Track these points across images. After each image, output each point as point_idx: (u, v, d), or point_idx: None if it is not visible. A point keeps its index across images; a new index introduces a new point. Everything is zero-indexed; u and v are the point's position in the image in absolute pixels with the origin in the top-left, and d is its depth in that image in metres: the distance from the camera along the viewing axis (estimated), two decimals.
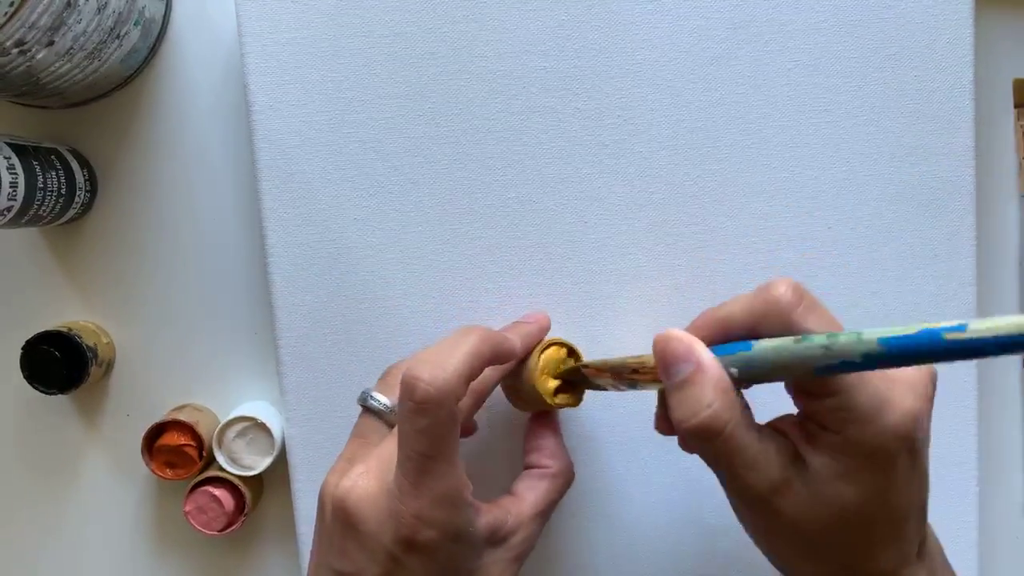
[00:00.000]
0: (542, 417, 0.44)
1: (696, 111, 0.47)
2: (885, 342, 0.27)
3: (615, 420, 0.48)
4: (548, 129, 0.47)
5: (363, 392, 0.41)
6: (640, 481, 0.48)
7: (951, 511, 0.39)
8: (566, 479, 0.43)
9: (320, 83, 0.47)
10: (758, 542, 0.37)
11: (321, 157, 0.47)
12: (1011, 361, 0.52)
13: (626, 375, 0.38)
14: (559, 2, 0.46)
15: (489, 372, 0.41)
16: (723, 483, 0.36)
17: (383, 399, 0.40)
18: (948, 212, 0.47)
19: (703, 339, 0.35)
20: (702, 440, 0.33)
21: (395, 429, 0.37)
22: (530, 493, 0.41)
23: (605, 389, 0.41)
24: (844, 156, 0.47)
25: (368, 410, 0.40)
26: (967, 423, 0.48)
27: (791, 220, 0.48)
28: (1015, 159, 0.52)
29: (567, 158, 0.47)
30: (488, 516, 0.38)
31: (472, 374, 0.36)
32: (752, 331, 0.34)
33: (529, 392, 0.42)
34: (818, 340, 0.30)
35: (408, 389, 0.35)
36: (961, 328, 0.26)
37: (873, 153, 0.47)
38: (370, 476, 0.36)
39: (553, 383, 0.42)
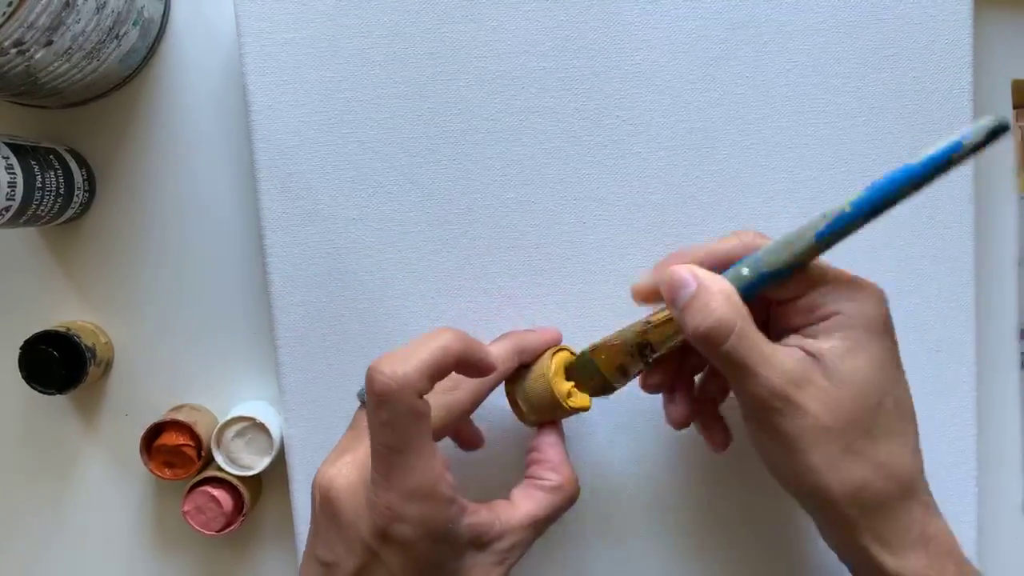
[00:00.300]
0: (547, 430, 0.43)
1: (695, 111, 0.47)
2: (862, 195, 0.35)
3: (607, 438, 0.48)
4: (547, 129, 0.47)
5: (362, 388, 0.40)
6: (637, 495, 0.49)
7: (950, 511, 0.39)
8: (566, 495, 0.41)
9: (319, 83, 0.47)
10: (781, 464, 0.37)
11: (320, 157, 0.47)
12: (1010, 362, 0.52)
13: (637, 338, 0.39)
14: (558, 2, 0.46)
15: (470, 385, 0.41)
16: (742, 395, 0.37)
17: None
18: (948, 212, 0.47)
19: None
20: (715, 343, 0.36)
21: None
22: (525, 502, 0.40)
23: (611, 384, 0.41)
24: (843, 157, 0.47)
25: (362, 404, 0.41)
26: (966, 423, 0.48)
27: (790, 220, 0.47)
28: (1015, 159, 0.52)
29: (566, 158, 0.47)
30: (474, 517, 0.37)
31: (437, 370, 0.36)
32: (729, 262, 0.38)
33: (538, 398, 0.42)
34: (813, 219, 0.36)
35: (368, 381, 0.35)
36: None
37: (872, 154, 0.47)
38: (354, 466, 0.37)
39: (567, 385, 0.42)
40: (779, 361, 0.36)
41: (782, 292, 0.38)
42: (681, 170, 0.47)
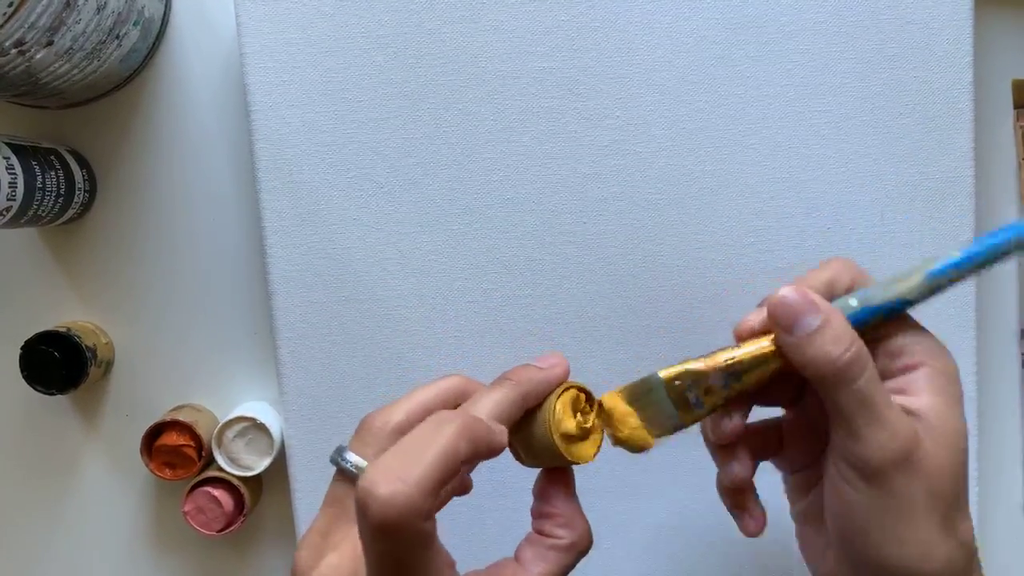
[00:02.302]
0: (554, 476, 0.37)
1: (695, 112, 0.47)
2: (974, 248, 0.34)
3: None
4: (547, 129, 0.47)
5: (337, 448, 0.35)
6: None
7: None
8: (581, 550, 0.36)
9: (320, 83, 0.47)
10: (876, 531, 0.33)
11: (321, 157, 0.47)
12: (1010, 362, 0.52)
13: (724, 365, 0.34)
14: (559, 3, 0.46)
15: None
16: (859, 444, 0.32)
17: (355, 459, 0.34)
18: (948, 212, 0.47)
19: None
20: (850, 379, 0.32)
21: None
22: (538, 565, 0.35)
23: (679, 420, 0.35)
24: (844, 156, 0.47)
25: (339, 471, 0.35)
26: (967, 423, 0.48)
27: (791, 220, 0.48)
28: (1015, 159, 0.52)
29: (566, 158, 0.47)
30: None
31: (445, 480, 0.30)
32: (827, 295, 0.35)
33: (540, 447, 0.36)
34: (923, 260, 0.34)
35: (362, 507, 0.29)
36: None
37: (873, 153, 0.47)
38: (341, 571, 0.32)
39: (570, 430, 0.36)
40: (900, 413, 0.32)
41: (872, 331, 0.34)
42: (681, 170, 0.47)
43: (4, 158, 0.43)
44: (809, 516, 0.38)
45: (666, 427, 0.36)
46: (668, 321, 0.48)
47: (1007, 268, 0.52)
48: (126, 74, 0.50)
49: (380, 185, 0.47)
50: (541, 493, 0.37)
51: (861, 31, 0.47)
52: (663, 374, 0.35)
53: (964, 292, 0.48)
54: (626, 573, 0.49)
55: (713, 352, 0.35)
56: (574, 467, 0.37)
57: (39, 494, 0.53)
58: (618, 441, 0.36)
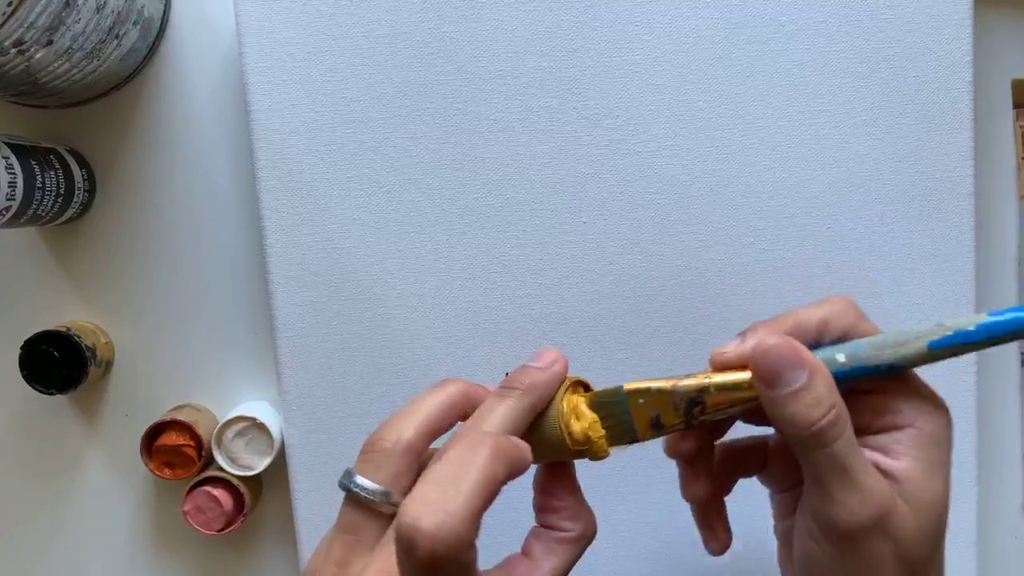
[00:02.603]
0: (556, 469, 0.37)
1: (695, 111, 0.47)
2: (989, 319, 0.32)
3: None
4: (547, 129, 0.47)
5: (345, 472, 0.34)
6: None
7: (950, 511, 0.39)
8: (589, 540, 0.36)
9: (319, 83, 0.47)
10: None
11: (320, 157, 0.47)
12: (1011, 361, 0.52)
13: (691, 392, 0.34)
14: (559, 2, 0.46)
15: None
16: (831, 507, 0.31)
17: (369, 484, 0.33)
18: (948, 212, 0.47)
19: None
20: (825, 443, 0.31)
21: (392, 539, 0.31)
22: (548, 560, 0.34)
23: (636, 435, 0.35)
24: (844, 156, 0.47)
25: (351, 497, 0.33)
26: (967, 423, 0.48)
27: (791, 220, 0.48)
28: (1015, 159, 0.52)
29: (566, 158, 0.47)
30: None
31: (486, 506, 0.29)
32: (818, 338, 0.33)
33: (555, 445, 0.36)
34: (925, 325, 0.32)
35: (407, 545, 0.28)
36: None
37: (873, 153, 0.47)
38: None
39: (582, 428, 0.36)
40: (876, 476, 0.31)
41: (860, 383, 0.33)
42: (681, 170, 0.47)
43: (4, 158, 0.43)
44: (788, 538, 0.37)
45: (622, 439, 0.35)
46: (668, 321, 0.48)
47: (1007, 268, 0.52)
48: (126, 74, 0.50)
49: (380, 185, 0.47)
50: (544, 488, 0.36)
51: (861, 31, 0.47)
52: (628, 387, 0.35)
53: (964, 293, 0.48)
54: (628, 573, 0.49)
55: (685, 375, 0.34)
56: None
57: (39, 494, 0.53)
58: (576, 444, 0.35)
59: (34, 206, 0.46)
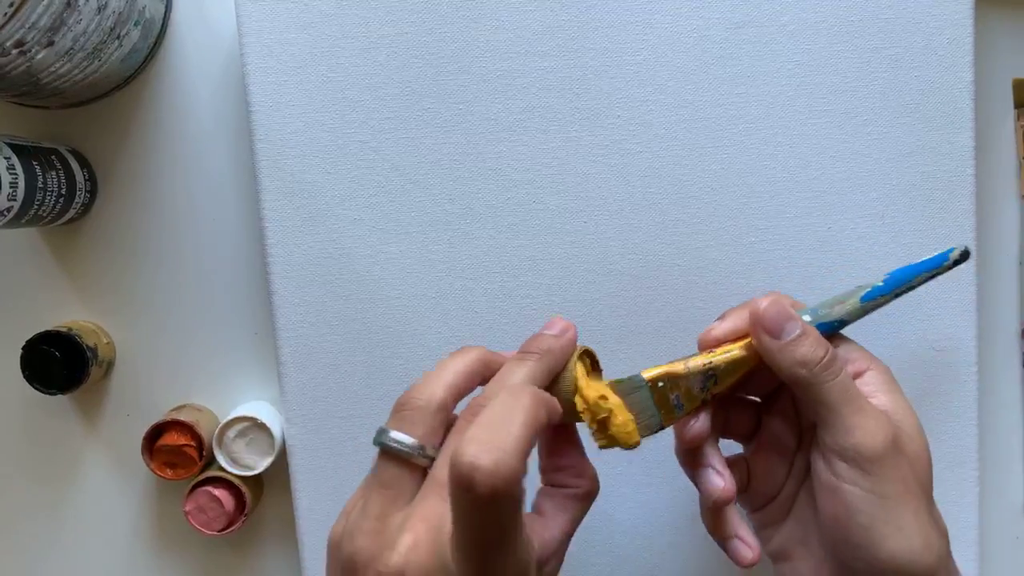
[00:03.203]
0: (562, 432, 0.39)
1: (696, 111, 0.47)
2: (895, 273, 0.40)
3: None
4: (548, 129, 0.47)
5: (379, 431, 0.35)
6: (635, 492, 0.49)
7: (951, 511, 0.39)
8: (594, 495, 0.38)
9: (320, 83, 0.47)
10: (867, 526, 0.35)
11: (321, 157, 0.47)
12: (1011, 361, 0.52)
13: (702, 368, 0.38)
14: (559, 2, 0.46)
15: None
16: (845, 437, 0.35)
17: (405, 438, 0.34)
18: (949, 212, 0.47)
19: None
20: (830, 376, 0.36)
21: (432, 483, 0.33)
22: (559, 516, 0.37)
23: (660, 421, 0.38)
24: (844, 156, 0.47)
25: (387, 453, 0.34)
26: (967, 423, 0.48)
27: (791, 220, 0.48)
28: (1015, 159, 0.52)
29: (567, 158, 0.47)
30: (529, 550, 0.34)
31: (532, 446, 0.31)
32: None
33: (565, 407, 0.37)
34: (857, 287, 0.39)
35: (466, 480, 0.29)
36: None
37: (873, 153, 0.47)
38: (422, 550, 0.32)
39: (597, 392, 0.38)
40: (875, 405, 0.37)
41: None
42: (682, 170, 0.47)
43: (5, 158, 0.43)
44: (785, 550, 0.40)
45: (649, 427, 0.38)
46: (669, 321, 0.48)
47: (1007, 268, 0.52)
48: (127, 74, 0.50)
49: (381, 185, 0.47)
50: (551, 449, 0.39)
51: (862, 31, 0.47)
52: (647, 375, 0.38)
53: (964, 292, 0.48)
54: (628, 573, 0.49)
55: (688, 356, 0.38)
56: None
57: (40, 494, 0.53)
58: (606, 435, 0.37)
59: (35, 206, 0.46)
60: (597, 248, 0.47)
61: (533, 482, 0.37)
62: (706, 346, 0.39)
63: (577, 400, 0.37)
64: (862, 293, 0.39)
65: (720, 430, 0.41)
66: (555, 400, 0.35)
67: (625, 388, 0.37)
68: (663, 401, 0.37)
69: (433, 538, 0.32)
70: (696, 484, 0.39)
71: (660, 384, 0.37)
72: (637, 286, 0.48)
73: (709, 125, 0.47)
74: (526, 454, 0.30)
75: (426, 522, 0.32)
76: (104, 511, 0.53)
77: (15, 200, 0.44)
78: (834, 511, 0.36)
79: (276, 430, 0.50)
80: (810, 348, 0.36)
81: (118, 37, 0.46)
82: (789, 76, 0.47)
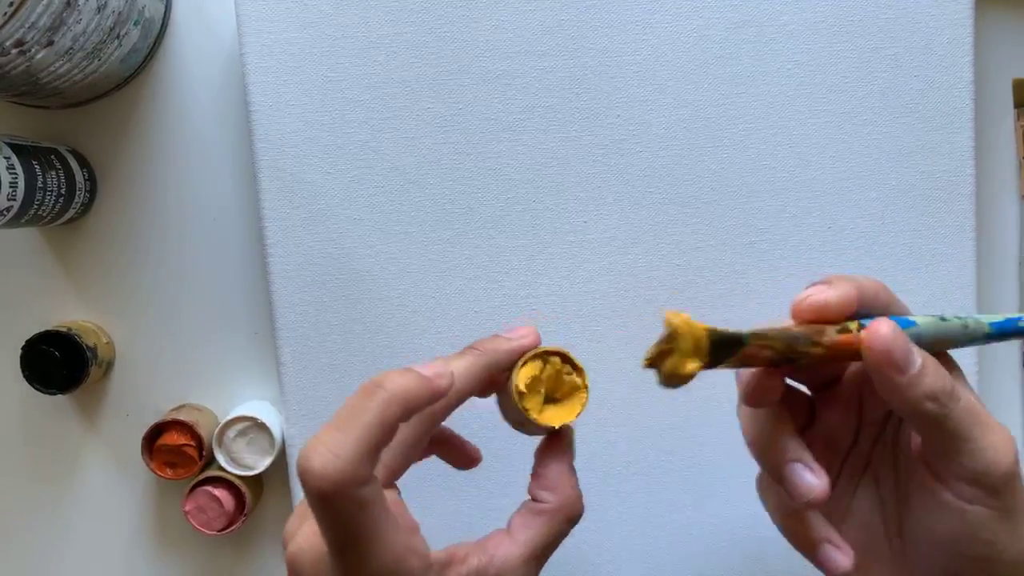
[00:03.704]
0: (552, 440, 0.37)
1: (696, 111, 0.47)
2: (994, 324, 0.35)
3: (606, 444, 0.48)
4: (548, 129, 0.47)
5: None
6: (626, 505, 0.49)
7: None
8: (567, 516, 0.36)
9: (320, 83, 0.47)
10: (992, 541, 0.33)
11: (321, 157, 0.47)
12: (1011, 361, 0.52)
13: (803, 344, 0.32)
14: (559, 2, 0.46)
15: (416, 419, 0.35)
16: (973, 462, 0.32)
17: None
18: (948, 212, 0.47)
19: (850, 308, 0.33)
20: (955, 400, 0.32)
21: None
22: (523, 532, 0.35)
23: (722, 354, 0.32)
24: (844, 156, 0.47)
25: None
26: None
27: (791, 220, 0.48)
28: (1015, 159, 0.52)
29: (567, 158, 0.47)
30: (463, 567, 0.33)
31: (379, 446, 0.31)
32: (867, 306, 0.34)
33: (515, 416, 0.36)
34: (957, 321, 0.35)
35: (301, 480, 0.30)
36: None
37: (873, 153, 0.47)
38: (313, 540, 0.33)
39: (535, 400, 0.36)
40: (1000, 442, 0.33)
41: None
42: (682, 169, 0.47)
43: (5, 158, 0.43)
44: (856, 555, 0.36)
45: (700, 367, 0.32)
46: None
47: (1007, 268, 0.52)
48: (126, 74, 0.50)
49: (381, 184, 0.47)
50: (537, 456, 0.37)
51: (861, 31, 0.47)
52: (750, 332, 0.32)
53: (964, 292, 0.48)
54: (628, 573, 0.49)
55: (788, 329, 0.33)
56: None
57: (40, 494, 0.53)
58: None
59: (35, 206, 0.46)
60: (597, 247, 0.47)
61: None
62: (800, 314, 0.33)
63: (515, 398, 0.35)
64: (993, 319, 0.35)
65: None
66: (429, 381, 0.33)
67: (720, 340, 0.32)
68: (737, 360, 0.32)
69: (317, 538, 0.33)
70: (780, 482, 0.34)
71: (757, 343, 0.32)
72: (637, 286, 0.48)
73: (709, 125, 0.47)
74: (365, 454, 0.30)
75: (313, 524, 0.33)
76: (104, 511, 0.53)
77: (15, 200, 0.44)
78: (954, 532, 0.33)
79: (276, 430, 0.50)
80: (936, 379, 0.32)
81: (118, 37, 0.46)
82: (789, 76, 0.47)
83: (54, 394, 0.49)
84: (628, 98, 0.47)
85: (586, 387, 0.37)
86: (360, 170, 0.47)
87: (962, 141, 0.47)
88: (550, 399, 0.37)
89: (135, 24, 0.47)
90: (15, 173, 0.44)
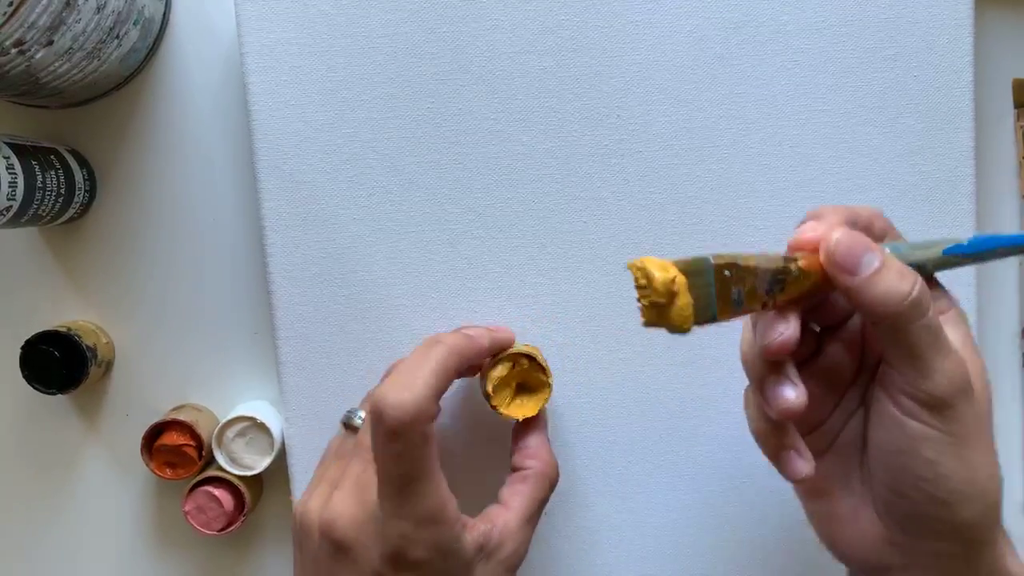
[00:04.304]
0: (528, 420, 0.44)
1: (696, 111, 0.47)
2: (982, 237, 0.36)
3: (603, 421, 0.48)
4: (547, 129, 0.47)
5: (348, 412, 0.41)
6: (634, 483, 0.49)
7: None
8: (549, 479, 0.42)
9: (320, 83, 0.47)
10: (942, 465, 0.33)
11: (320, 157, 0.47)
12: (1011, 361, 0.52)
13: (777, 278, 0.33)
14: (559, 2, 0.46)
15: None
16: (929, 378, 0.32)
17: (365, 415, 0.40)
18: (949, 212, 0.47)
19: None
20: (918, 315, 0.32)
21: (357, 447, 0.39)
22: (515, 499, 0.41)
23: (712, 311, 0.32)
24: (844, 156, 0.47)
25: (351, 429, 0.41)
26: None
27: (791, 220, 0.47)
28: (1015, 159, 0.52)
29: (566, 158, 0.47)
30: (475, 532, 0.38)
31: (441, 389, 0.37)
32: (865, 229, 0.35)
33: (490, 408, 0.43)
34: (935, 238, 0.36)
35: (377, 416, 0.35)
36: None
37: (873, 153, 0.47)
38: (350, 501, 0.37)
39: (504, 398, 0.44)
40: (955, 355, 0.33)
41: None
42: (682, 169, 0.47)
43: (4, 158, 0.43)
44: (822, 487, 0.37)
45: (703, 316, 0.32)
46: None
47: (1007, 269, 0.52)
48: (126, 74, 0.50)
49: (380, 184, 0.47)
50: (515, 432, 0.44)
51: (861, 31, 0.47)
52: (715, 260, 0.32)
53: (964, 292, 0.48)
54: (628, 573, 0.49)
55: (764, 254, 0.33)
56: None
57: (39, 494, 0.53)
58: (663, 316, 0.31)
59: (35, 206, 0.46)
60: (597, 247, 0.47)
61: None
62: (790, 248, 0.35)
63: (489, 391, 0.43)
64: (945, 246, 0.35)
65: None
66: (474, 339, 0.41)
67: (689, 268, 0.32)
68: (724, 292, 0.32)
69: (360, 491, 0.37)
70: (763, 393, 0.35)
71: (726, 273, 0.32)
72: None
73: (709, 125, 0.47)
74: (433, 394, 0.36)
75: (356, 482, 0.37)
76: (104, 511, 0.53)
77: (14, 200, 0.44)
78: (898, 445, 0.34)
79: (276, 430, 0.50)
80: (893, 282, 0.32)
81: (117, 36, 0.46)
82: (789, 76, 0.47)
83: (54, 394, 0.49)
84: (628, 98, 0.47)
85: (550, 385, 0.44)
86: (360, 170, 0.47)
87: (962, 141, 0.47)
88: (523, 387, 0.44)
89: (135, 24, 0.47)
90: (14, 173, 0.44)
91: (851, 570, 0.38)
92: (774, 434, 0.36)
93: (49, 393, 0.49)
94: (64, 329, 0.49)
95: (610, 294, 0.48)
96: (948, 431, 0.33)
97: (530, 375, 0.44)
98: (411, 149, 0.47)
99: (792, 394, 0.34)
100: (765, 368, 0.34)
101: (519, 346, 0.45)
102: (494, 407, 0.43)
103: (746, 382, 0.36)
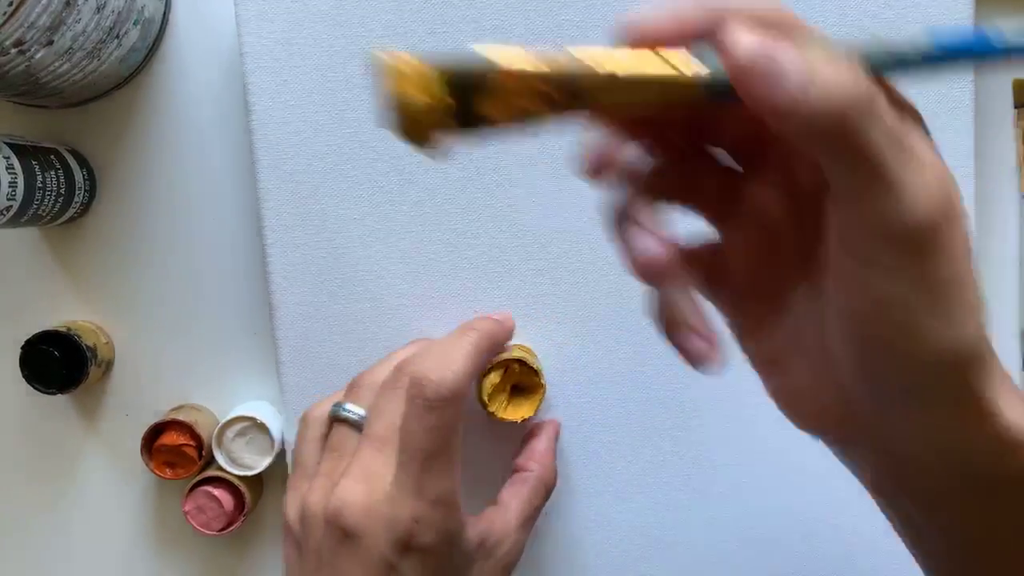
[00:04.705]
0: (541, 424, 0.46)
1: None
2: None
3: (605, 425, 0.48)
4: (547, 128, 0.47)
5: (335, 405, 0.40)
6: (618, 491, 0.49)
7: None
8: (546, 485, 0.43)
9: (320, 83, 0.47)
10: (912, 318, 0.24)
11: (320, 157, 0.47)
12: (1011, 361, 0.52)
13: (581, 72, 0.25)
14: (559, 2, 0.46)
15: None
16: (885, 214, 0.23)
17: (357, 408, 0.40)
18: None
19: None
20: (876, 117, 0.23)
21: (367, 438, 0.38)
22: (514, 501, 0.42)
23: (473, 120, 0.25)
24: None
25: (342, 422, 0.40)
26: None
27: None
28: (1015, 159, 0.52)
29: (567, 158, 0.47)
30: (475, 529, 0.39)
31: (477, 371, 0.38)
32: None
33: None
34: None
35: (418, 389, 0.36)
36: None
37: None
38: (360, 488, 0.37)
39: (499, 403, 0.45)
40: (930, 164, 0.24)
41: None
42: None
43: (4, 158, 0.43)
44: (776, 359, 0.29)
45: (449, 123, 0.25)
46: None
47: (1007, 269, 0.52)
48: (126, 74, 0.50)
49: (380, 184, 0.47)
50: (526, 436, 0.45)
51: (861, 31, 0.47)
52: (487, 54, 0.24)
53: None
54: (628, 573, 0.49)
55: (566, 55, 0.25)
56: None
57: (39, 494, 0.53)
58: (404, 110, 0.25)
59: (35, 206, 0.46)
60: (597, 247, 0.47)
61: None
62: (635, 37, 0.27)
63: (485, 399, 0.44)
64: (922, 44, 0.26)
65: (669, 191, 0.29)
66: (500, 323, 0.44)
67: (459, 70, 0.25)
68: (496, 101, 0.25)
69: (368, 477, 0.37)
70: (617, 247, 0.28)
71: (494, 75, 0.25)
72: (637, 285, 0.48)
73: None
74: (470, 374, 0.38)
75: (363, 468, 0.37)
76: (103, 511, 0.53)
77: (14, 200, 0.44)
78: (859, 308, 0.25)
79: (275, 430, 0.50)
80: (833, 78, 0.22)
81: (117, 36, 0.46)
82: None
83: (53, 394, 0.49)
84: None
85: (544, 385, 0.45)
86: (360, 170, 0.47)
87: (962, 141, 0.47)
88: (518, 388, 0.45)
89: (134, 24, 0.47)
90: (14, 173, 0.44)
91: (826, 440, 0.30)
92: (661, 311, 0.29)
93: (49, 393, 0.49)
94: (64, 329, 0.49)
95: (609, 294, 0.48)
96: (923, 276, 0.24)
97: (523, 377, 0.45)
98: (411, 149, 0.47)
99: (646, 244, 0.27)
100: (613, 214, 0.27)
101: (511, 350, 0.46)
102: (491, 413, 0.44)
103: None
